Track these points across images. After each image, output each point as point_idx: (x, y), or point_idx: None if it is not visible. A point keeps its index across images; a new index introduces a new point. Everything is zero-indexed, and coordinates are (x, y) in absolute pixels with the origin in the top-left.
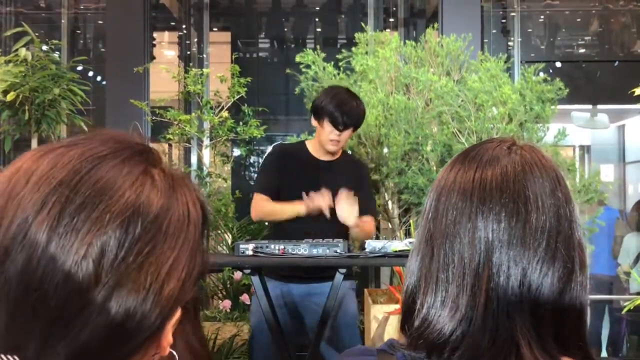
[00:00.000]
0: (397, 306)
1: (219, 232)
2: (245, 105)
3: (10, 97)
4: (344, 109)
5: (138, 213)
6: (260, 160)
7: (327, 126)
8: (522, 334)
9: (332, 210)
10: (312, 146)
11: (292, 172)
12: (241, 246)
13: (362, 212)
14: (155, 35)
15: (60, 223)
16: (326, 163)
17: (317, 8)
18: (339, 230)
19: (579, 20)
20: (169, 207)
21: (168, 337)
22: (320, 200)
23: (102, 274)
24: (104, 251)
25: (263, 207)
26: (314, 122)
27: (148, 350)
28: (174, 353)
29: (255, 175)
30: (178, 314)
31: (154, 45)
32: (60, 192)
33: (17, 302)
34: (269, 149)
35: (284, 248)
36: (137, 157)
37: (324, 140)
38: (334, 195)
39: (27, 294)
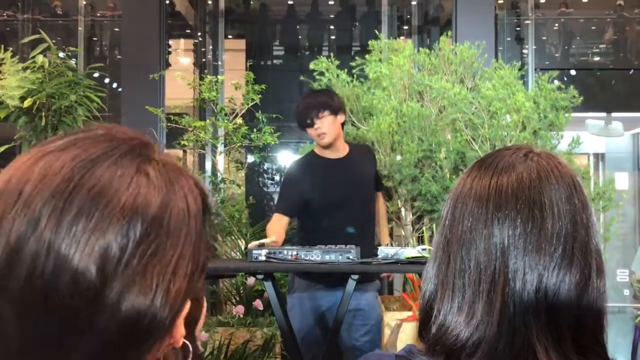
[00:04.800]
0: (410, 313)
1: (233, 238)
2: (260, 112)
3: (27, 103)
4: (298, 109)
5: (137, 216)
6: (274, 167)
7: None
8: (538, 339)
9: (353, 220)
10: (319, 151)
11: (314, 182)
12: (254, 252)
13: (378, 188)
14: (170, 42)
15: (58, 235)
16: (339, 161)
17: (332, 16)
18: (365, 232)
19: (593, 28)
20: (168, 203)
21: (180, 329)
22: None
23: (108, 281)
24: (107, 258)
25: (268, 228)
26: (306, 131)
27: (161, 344)
28: (188, 343)
29: (269, 181)
30: (188, 305)
31: (170, 53)
32: (54, 205)
33: (23, 319)
34: (286, 167)
35: (297, 254)
36: (130, 154)
37: (314, 138)
38: (355, 187)
39: (32, 309)
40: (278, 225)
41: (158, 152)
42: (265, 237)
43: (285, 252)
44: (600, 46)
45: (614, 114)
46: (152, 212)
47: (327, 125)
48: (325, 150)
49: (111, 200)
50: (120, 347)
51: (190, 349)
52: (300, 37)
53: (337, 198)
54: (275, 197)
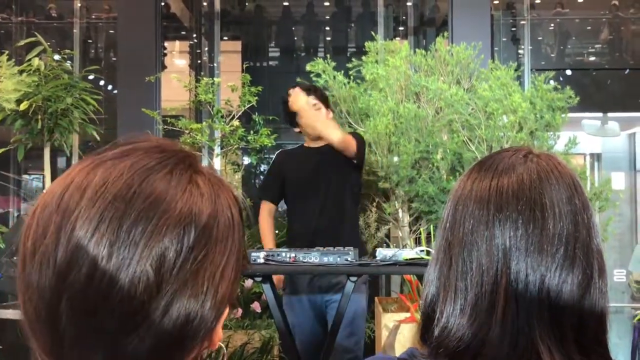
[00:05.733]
0: (408, 315)
1: None
2: (256, 114)
3: (23, 106)
4: (294, 87)
5: (191, 222)
6: None
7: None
8: (541, 340)
9: (336, 211)
10: (308, 144)
11: (291, 167)
12: (252, 254)
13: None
14: (166, 44)
15: (119, 237)
16: (316, 149)
17: (328, 17)
18: (347, 234)
19: (589, 28)
20: (217, 213)
21: (219, 332)
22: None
23: (162, 283)
24: (163, 261)
25: (260, 222)
26: (296, 128)
27: (202, 346)
28: (222, 345)
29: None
30: (227, 311)
31: (165, 55)
32: (116, 207)
33: (82, 317)
34: (281, 152)
35: (295, 256)
36: (181, 165)
37: (309, 133)
38: (330, 175)
39: (91, 309)
40: (269, 217)
41: (201, 164)
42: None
43: (283, 254)
44: (596, 46)
45: (610, 114)
46: (203, 220)
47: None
48: (313, 142)
49: (168, 207)
50: (169, 347)
51: (225, 351)
52: (296, 38)
53: (299, 185)
54: None
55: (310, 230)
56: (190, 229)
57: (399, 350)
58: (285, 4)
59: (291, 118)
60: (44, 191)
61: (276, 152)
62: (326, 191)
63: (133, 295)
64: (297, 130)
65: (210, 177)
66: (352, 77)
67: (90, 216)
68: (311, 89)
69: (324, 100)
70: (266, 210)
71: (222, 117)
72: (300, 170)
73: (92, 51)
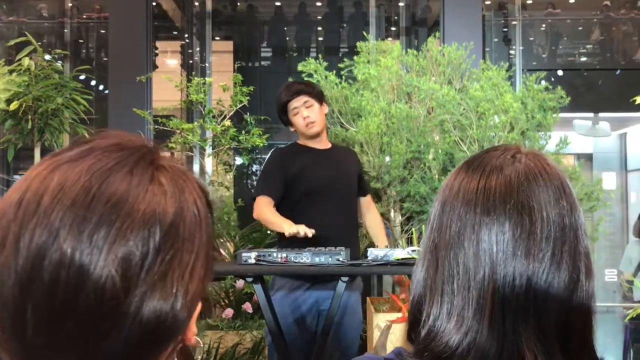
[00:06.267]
0: (400, 314)
1: (222, 240)
2: (248, 114)
3: (13, 106)
4: (287, 86)
5: (155, 223)
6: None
7: (294, 114)
8: (527, 346)
9: (351, 213)
10: (303, 142)
11: (298, 166)
12: (244, 254)
13: (367, 190)
14: (157, 44)
15: (80, 243)
16: (323, 151)
17: (319, 17)
18: (344, 237)
19: (580, 28)
20: (182, 210)
21: (193, 328)
22: (301, 230)
23: (130, 287)
24: (129, 265)
25: (262, 211)
26: (290, 127)
27: (176, 344)
28: (198, 339)
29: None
30: (199, 307)
31: (157, 54)
32: (75, 213)
33: (49, 326)
34: (268, 155)
35: (287, 256)
36: (142, 162)
37: (301, 128)
38: (339, 178)
39: (58, 317)
40: (270, 207)
41: (164, 157)
42: (254, 240)
43: (275, 254)
44: (587, 47)
45: (601, 114)
46: (168, 219)
47: (316, 114)
48: (309, 141)
49: (131, 209)
50: (142, 349)
51: (201, 344)
52: (288, 38)
53: (321, 185)
54: None
55: (329, 231)
56: (155, 230)
57: (390, 350)
58: (277, 4)
59: (284, 117)
60: (2, 198)
61: (273, 150)
62: (345, 192)
63: (100, 302)
64: (292, 129)
65: (173, 171)
66: (344, 77)
67: (49, 223)
68: (306, 85)
69: (319, 96)
70: (265, 202)
71: (213, 117)
72: (318, 170)
73: (83, 51)
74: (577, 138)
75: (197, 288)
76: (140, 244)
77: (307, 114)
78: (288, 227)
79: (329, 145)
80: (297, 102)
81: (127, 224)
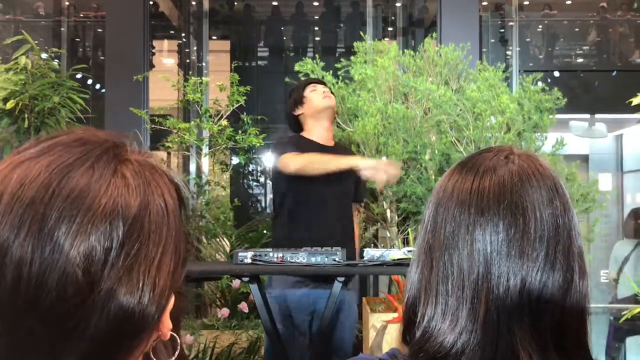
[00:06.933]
0: (396, 315)
1: (218, 240)
2: (245, 113)
3: (9, 105)
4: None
5: (118, 218)
6: (259, 169)
7: (311, 90)
8: (522, 346)
9: (349, 212)
10: (308, 135)
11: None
12: (240, 254)
13: (361, 198)
14: (154, 43)
15: (41, 241)
16: (327, 148)
17: (316, 17)
18: (341, 237)
19: (577, 30)
20: (147, 203)
21: (167, 323)
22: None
23: (94, 283)
24: (92, 261)
25: (303, 157)
26: (298, 112)
27: (149, 339)
28: (175, 335)
29: (254, 183)
30: (173, 299)
31: (154, 54)
32: (35, 210)
33: (13, 325)
34: (284, 138)
35: (283, 256)
36: (105, 156)
37: (317, 101)
38: (344, 178)
39: (21, 316)
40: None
41: (132, 151)
42: (250, 239)
43: (271, 254)
44: (584, 48)
45: (597, 116)
46: (132, 213)
47: (333, 98)
48: (314, 135)
49: (92, 204)
50: (111, 345)
51: (179, 341)
52: (285, 38)
53: (323, 183)
54: (261, 198)
55: (329, 230)
56: (117, 224)
57: (386, 350)
58: (275, 3)
59: (298, 99)
60: None
61: (290, 136)
62: (347, 192)
63: (63, 299)
64: (298, 112)
65: (140, 165)
66: (340, 77)
67: (10, 222)
68: (317, 82)
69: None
70: (297, 154)
71: (210, 116)
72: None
73: (80, 50)
74: (574, 139)
75: (165, 282)
76: (102, 238)
77: (325, 89)
78: (362, 161)
79: (332, 143)
80: (319, 87)
81: (88, 219)
